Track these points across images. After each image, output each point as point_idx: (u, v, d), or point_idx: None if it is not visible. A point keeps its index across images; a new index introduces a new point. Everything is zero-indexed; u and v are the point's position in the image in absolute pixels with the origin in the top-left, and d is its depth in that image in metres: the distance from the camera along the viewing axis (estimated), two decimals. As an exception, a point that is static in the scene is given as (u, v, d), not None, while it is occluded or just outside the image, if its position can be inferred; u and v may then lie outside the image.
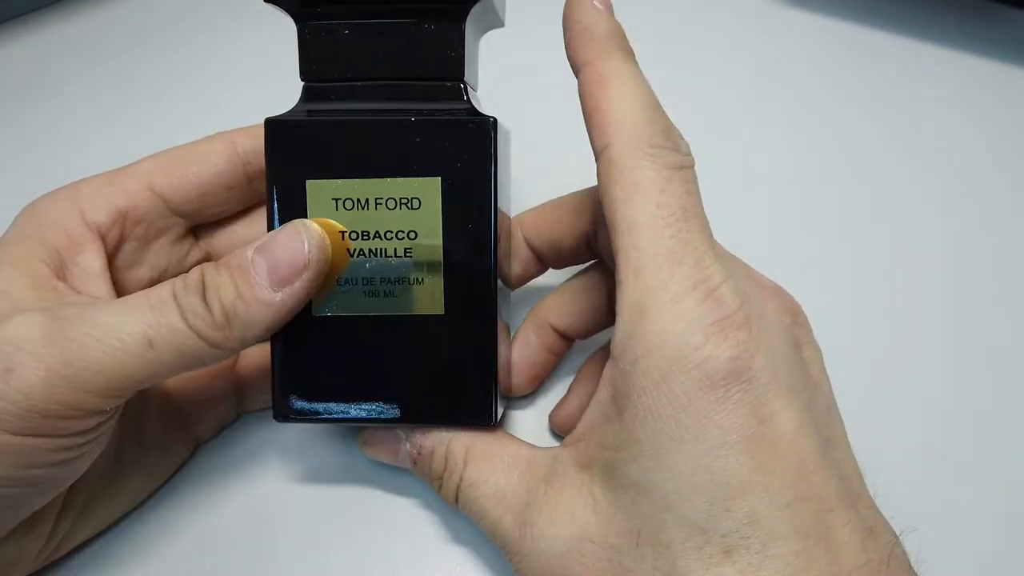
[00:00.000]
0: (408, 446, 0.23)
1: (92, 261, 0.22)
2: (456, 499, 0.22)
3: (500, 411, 0.23)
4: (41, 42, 0.39)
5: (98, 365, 0.18)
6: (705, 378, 0.18)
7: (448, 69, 0.22)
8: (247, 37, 0.40)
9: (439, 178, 0.21)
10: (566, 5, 0.21)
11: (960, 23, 0.40)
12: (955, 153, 0.36)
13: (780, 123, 0.37)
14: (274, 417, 0.22)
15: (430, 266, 0.22)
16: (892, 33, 0.40)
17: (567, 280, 0.27)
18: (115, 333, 0.19)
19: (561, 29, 0.21)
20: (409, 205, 0.21)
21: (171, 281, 0.20)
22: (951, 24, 0.40)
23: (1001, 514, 0.26)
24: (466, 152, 0.21)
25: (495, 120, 0.21)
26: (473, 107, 0.22)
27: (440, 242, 0.21)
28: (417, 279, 0.22)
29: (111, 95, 0.37)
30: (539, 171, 0.30)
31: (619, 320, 0.19)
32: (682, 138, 0.21)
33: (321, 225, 0.21)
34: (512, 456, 0.22)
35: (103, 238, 0.23)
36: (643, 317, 0.18)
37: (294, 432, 0.27)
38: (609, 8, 0.21)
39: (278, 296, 0.20)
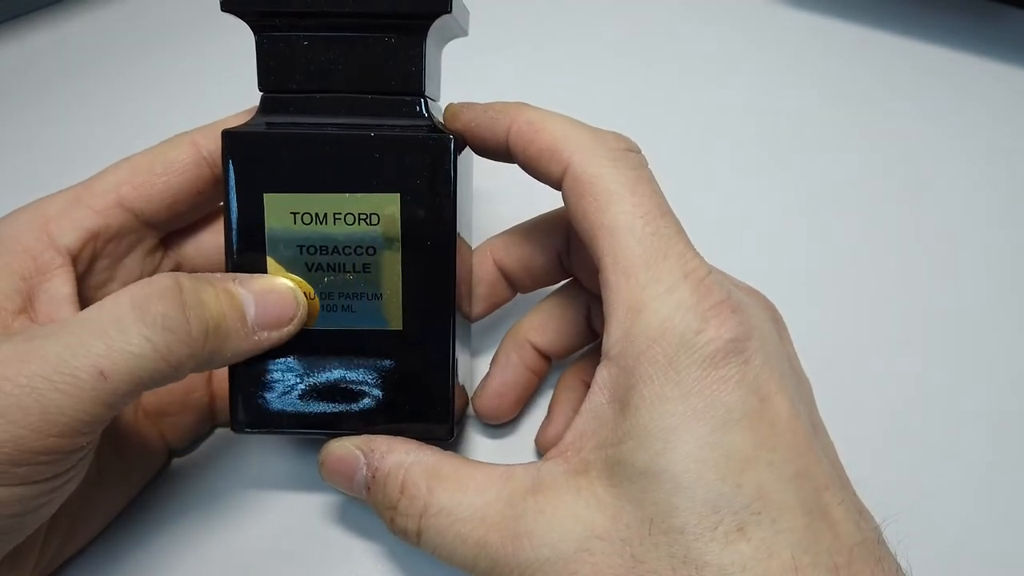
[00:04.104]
0: (364, 469, 0.21)
1: (60, 287, 0.22)
2: (418, 531, 0.20)
3: (456, 430, 0.22)
4: (40, 42, 0.39)
5: (56, 407, 0.17)
6: (708, 359, 0.18)
7: (408, 84, 0.22)
8: (246, 40, 0.40)
9: (398, 194, 0.21)
10: (470, 113, 0.22)
11: (960, 23, 0.40)
12: (955, 153, 0.36)
13: (779, 123, 0.37)
14: (231, 427, 0.22)
15: (388, 283, 0.21)
16: (892, 33, 0.40)
17: (543, 299, 0.26)
18: (64, 370, 0.17)
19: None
20: (368, 220, 0.21)
21: (126, 291, 0.19)
22: (951, 24, 0.40)
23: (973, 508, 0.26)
24: (426, 169, 0.21)
25: (454, 137, 0.21)
26: (434, 123, 0.22)
27: (399, 259, 0.21)
28: (376, 294, 0.21)
29: (110, 95, 0.37)
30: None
31: (613, 321, 0.19)
32: (631, 140, 0.21)
33: (298, 285, 0.22)
34: (484, 476, 0.20)
35: (74, 260, 0.22)
36: (641, 312, 0.19)
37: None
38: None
39: (259, 335, 0.20)
